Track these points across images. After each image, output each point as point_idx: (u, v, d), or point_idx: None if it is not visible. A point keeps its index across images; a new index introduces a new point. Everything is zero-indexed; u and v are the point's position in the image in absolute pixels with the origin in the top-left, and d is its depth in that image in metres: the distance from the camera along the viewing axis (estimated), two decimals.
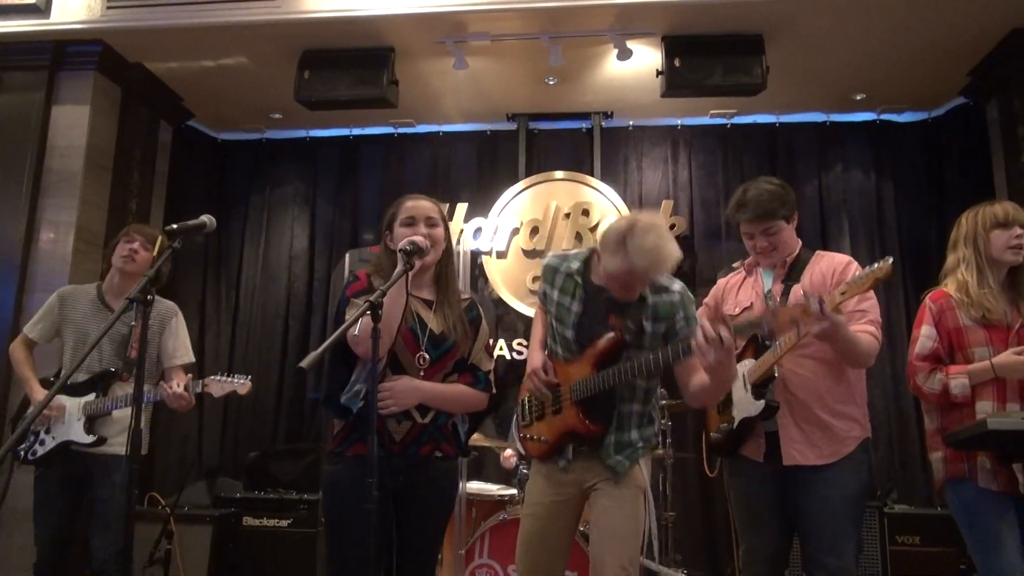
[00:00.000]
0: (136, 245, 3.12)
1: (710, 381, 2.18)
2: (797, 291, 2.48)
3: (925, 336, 2.53)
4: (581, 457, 2.37)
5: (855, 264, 2.52)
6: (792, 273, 2.56)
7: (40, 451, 3.03)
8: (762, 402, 2.42)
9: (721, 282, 2.78)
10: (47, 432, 3.03)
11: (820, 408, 2.42)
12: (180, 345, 3.22)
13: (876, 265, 2.16)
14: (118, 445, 2.99)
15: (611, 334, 2.31)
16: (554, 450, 2.40)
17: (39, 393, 3.08)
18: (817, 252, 2.61)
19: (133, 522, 2.03)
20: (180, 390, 2.93)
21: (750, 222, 2.53)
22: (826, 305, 2.14)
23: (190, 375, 3.07)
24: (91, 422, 3.02)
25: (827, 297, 2.20)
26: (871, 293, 2.39)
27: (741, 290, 2.67)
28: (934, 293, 2.58)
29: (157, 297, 3.07)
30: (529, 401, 2.51)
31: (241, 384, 3.04)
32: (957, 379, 2.44)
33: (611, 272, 2.25)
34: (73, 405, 3.03)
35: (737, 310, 2.61)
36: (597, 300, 2.37)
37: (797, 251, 2.59)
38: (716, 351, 2.00)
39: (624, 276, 2.23)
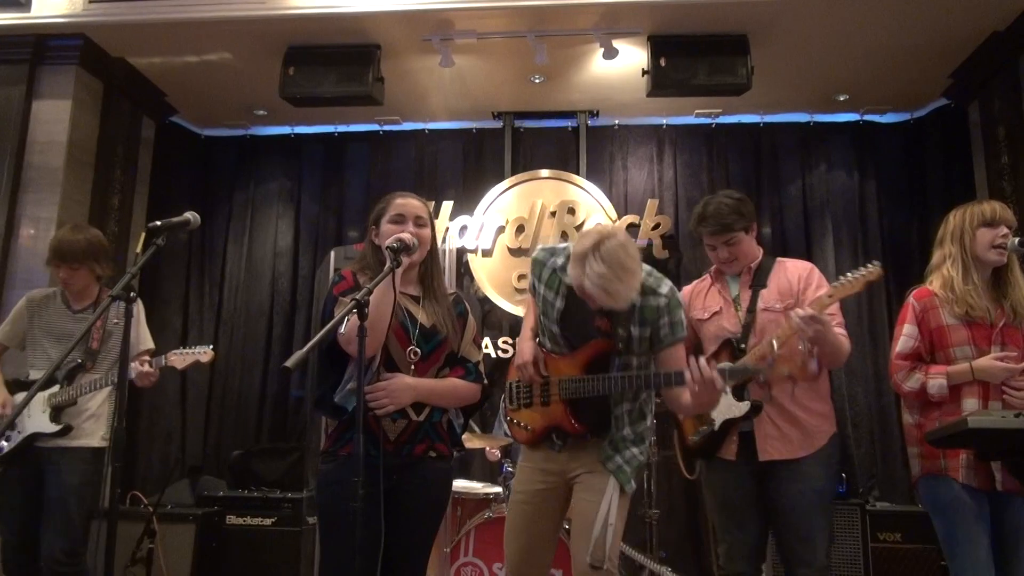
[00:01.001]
0: (65, 274, 3.13)
1: (693, 405, 2.25)
2: (765, 295, 2.61)
3: (907, 335, 2.57)
4: (570, 446, 2.40)
5: (817, 270, 2.67)
6: (757, 279, 2.68)
7: (7, 447, 3.01)
8: (747, 403, 2.51)
9: (687, 289, 2.84)
10: (12, 428, 3.03)
11: (793, 405, 2.54)
12: (142, 332, 3.26)
13: (868, 268, 2.31)
14: (74, 437, 3.02)
15: (601, 340, 2.32)
16: (537, 439, 2.44)
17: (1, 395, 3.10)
18: (778, 259, 2.74)
19: (116, 519, 2.01)
20: (146, 368, 3.01)
21: (711, 235, 2.65)
22: (810, 311, 2.29)
23: (148, 357, 3.13)
24: (57, 412, 3.03)
25: (813, 300, 2.37)
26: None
27: (708, 296, 2.75)
28: (918, 291, 2.62)
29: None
30: (518, 385, 2.52)
31: (203, 353, 3.14)
32: (935, 379, 2.47)
33: (571, 283, 2.26)
34: (37, 399, 3.02)
35: (706, 315, 2.70)
36: (581, 299, 2.36)
37: (760, 258, 2.72)
38: (708, 392, 2.07)
39: (580, 291, 2.24)
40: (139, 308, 3.25)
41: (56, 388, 3.05)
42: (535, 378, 2.42)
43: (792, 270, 2.67)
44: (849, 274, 2.38)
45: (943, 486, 2.47)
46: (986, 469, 2.42)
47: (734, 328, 2.61)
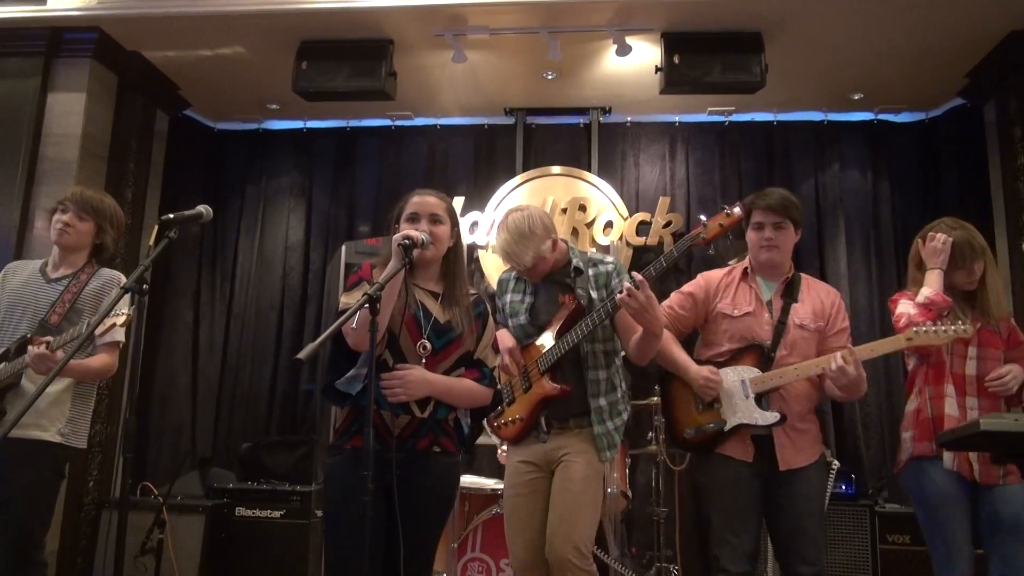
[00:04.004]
0: (68, 216, 2.82)
1: (642, 330, 2.41)
2: (799, 310, 2.65)
3: (904, 305, 2.69)
4: (555, 432, 2.59)
5: (841, 299, 2.78)
6: (789, 290, 2.70)
7: None
8: (776, 414, 2.54)
9: (712, 276, 2.81)
10: None
11: (802, 417, 2.62)
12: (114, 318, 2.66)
13: (958, 327, 2.45)
14: (20, 426, 2.32)
15: (571, 303, 2.58)
16: (529, 426, 2.60)
17: None
18: (803, 275, 2.78)
19: (127, 509, 2.02)
20: (42, 350, 2.48)
21: (768, 209, 2.67)
22: (859, 365, 2.42)
23: (49, 338, 2.56)
24: None
25: (890, 341, 2.53)
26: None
27: (739, 293, 2.73)
28: (897, 295, 2.79)
29: (106, 269, 2.90)
30: (499, 391, 2.68)
31: (119, 314, 2.48)
32: (920, 292, 2.64)
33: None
34: None
35: (737, 312, 2.69)
36: (544, 288, 2.70)
37: (792, 271, 2.75)
38: (636, 297, 2.26)
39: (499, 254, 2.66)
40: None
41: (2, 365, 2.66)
42: (517, 361, 2.62)
43: (823, 292, 2.74)
44: (940, 327, 2.46)
45: (932, 471, 2.61)
46: (967, 458, 2.57)
47: (767, 336, 2.62)
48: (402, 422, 2.19)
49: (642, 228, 5.00)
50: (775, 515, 2.59)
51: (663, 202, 5.03)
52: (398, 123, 5.42)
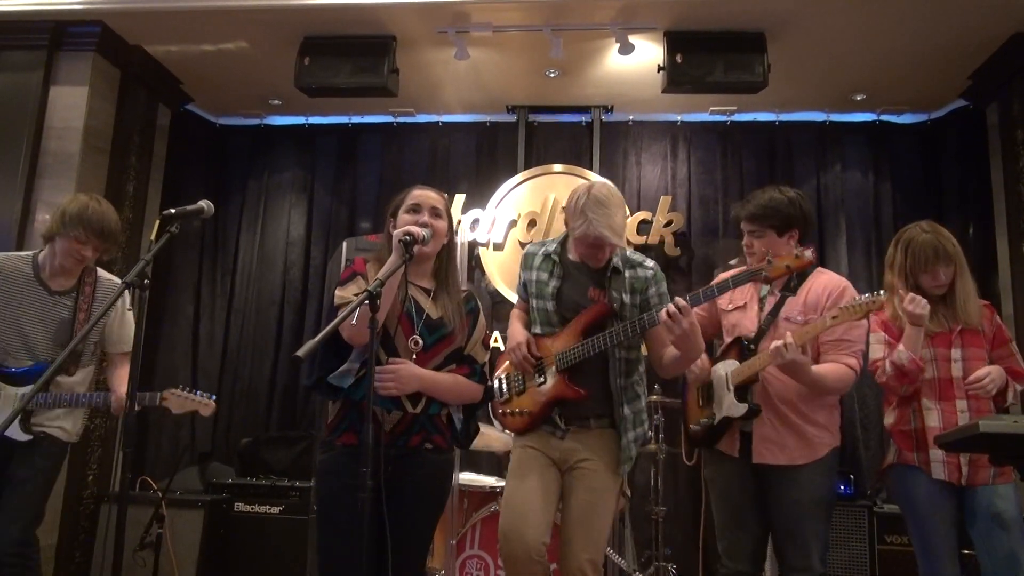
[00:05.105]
0: (88, 252, 2.83)
1: (679, 352, 2.37)
2: (791, 303, 2.60)
3: (876, 342, 2.69)
4: (574, 431, 2.48)
5: (852, 289, 2.62)
6: (788, 284, 2.63)
7: None
8: (744, 405, 2.52)
9: (722, 276, 2.78)
10: None
11: (794, 413, 2.54)
12: (126, 330, 2.93)
13: (870, 297, 2.34)
14: (50, 427, 2.81)
15: (599, 304, 2.46)
16: (537, 421, 2.50)
17: None
18: (818, 268, 2.70)
19: (127, 503, 2.02)
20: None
21: (744, 217, 2.70)
22: (792, 348, 2.34)
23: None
24: (28, 416, 2.76)
25: (818, 321, 2.43)
26: (862, 321, 2.51)
27: (739, 289, 2.70)
28: (876, 316, 2.72)
29: (104, 274, 2.96)
30: (508, 378, 2.62)
31: (204, 404, 2.85)
32: (897, 351, 2.57)
33: (577, 236, 2.46)
34: (9, 395, 2.76)
35: (730, 307, 2.72)
36: (575, 275, 2.54)
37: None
38: (680, 323, 2.21)
39: (586, 239, 2.43)
40: (126, 299, 2.67)
41: (28, 388, 2.73)
42: (527, 358, 2.50)
43: (824, 284, 2.63)
44: (862, 297, 2.39)
45: (916, 479, 2.61)
46: (956, 463, 2.55)
47: (752, 328, 2.61)
48: (394, 418, 2.19)
49: (643, 227, 5.00)
50: (768, 514, 2.58)
51: (664, 201, 5.03)
52: (400, 120, 5.42)
